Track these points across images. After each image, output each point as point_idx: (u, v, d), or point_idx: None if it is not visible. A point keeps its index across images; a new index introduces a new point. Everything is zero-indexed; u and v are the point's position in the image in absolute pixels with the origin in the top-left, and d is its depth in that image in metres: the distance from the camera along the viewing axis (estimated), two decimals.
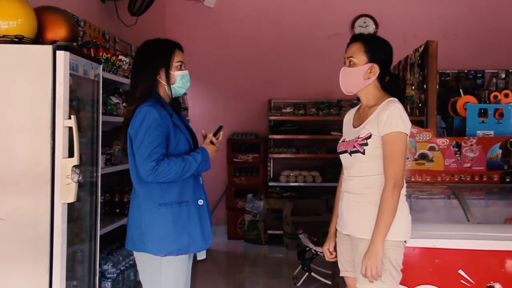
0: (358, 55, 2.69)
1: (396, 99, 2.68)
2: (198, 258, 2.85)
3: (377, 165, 2.62)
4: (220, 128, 2.93)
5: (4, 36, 2.83)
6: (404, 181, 2.66)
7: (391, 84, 2.75)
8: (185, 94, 6.46)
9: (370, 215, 2.59)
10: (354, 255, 2.70)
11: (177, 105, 2.93)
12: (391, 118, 2.57)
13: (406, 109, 4.56)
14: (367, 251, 2.56)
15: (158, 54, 2.79)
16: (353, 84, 2.73)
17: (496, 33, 7.37)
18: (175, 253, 2.70)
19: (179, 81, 2.81)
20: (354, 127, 2.76)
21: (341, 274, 2.87)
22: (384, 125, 2.58)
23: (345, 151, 2.73)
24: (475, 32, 7.39)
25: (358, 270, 2.64)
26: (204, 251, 2.84)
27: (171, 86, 2.79)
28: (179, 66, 2.81)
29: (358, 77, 2.70)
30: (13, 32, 2.84)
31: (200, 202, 2.79)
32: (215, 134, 2.86)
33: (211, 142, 2.83)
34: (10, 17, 2.85)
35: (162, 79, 2.78)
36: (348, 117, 2.87)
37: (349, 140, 2.74)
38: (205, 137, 2.88)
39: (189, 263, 2.85)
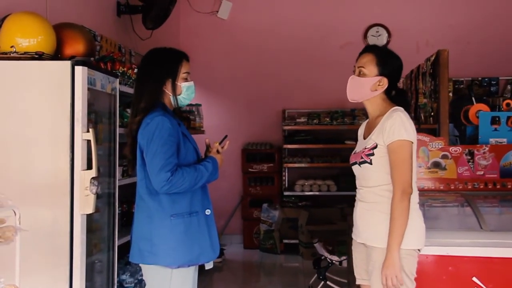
0: (370, 66, 2.73)
1: (400, 108, 2.71)
2: (206, 268, 2.80)
3: (386, 174, 2.65)
4: (225, 137, 2.94)
5: (25, 53, 2.92)
6: (416, 189, 2.68)
7: (398, 97, 2.79)
8: (199, 105, 6.58)
9: (382, 224, 2.61)
10: (368, 263, 2.72)
11: (180, 115, 2.91)
12: (393, 127, 2.61)
13: (419, 117, 4.62)
14: (384, 261, 2.56)
15: (165, 64, 2.74)
16: (360, 94, 2.78)
17: (510, 40, 7.34)
18: (187, 265, 2.66)
19: (184, 92, 2.78)
20: (364, 139, 2.80)
21: (357, 282, 2.89)
22: (388, 134, 2.62)
23: (355, 163, 2.77)
24: (489, 39, 7.34)
25: (371, 278, 2.66)
26: (212, 261, 2.81)
27: (177, 97, 2.76)
28: (185, 77, 2.78)
29: (366, 87, 2.74)
30: (34, 49, 2.93)
31: (207, 212, 2.75)
32: (220, 143, 2.87)
33: (217, 151, 2.84)
34: (30, 34, 2.95)
35: (168, 89, 2.75)
36: (361, 130, 2.91)
37: (358, 152, 2.78)
38: (208, 146, 2.88)
39: (195, 273, 2.80)
